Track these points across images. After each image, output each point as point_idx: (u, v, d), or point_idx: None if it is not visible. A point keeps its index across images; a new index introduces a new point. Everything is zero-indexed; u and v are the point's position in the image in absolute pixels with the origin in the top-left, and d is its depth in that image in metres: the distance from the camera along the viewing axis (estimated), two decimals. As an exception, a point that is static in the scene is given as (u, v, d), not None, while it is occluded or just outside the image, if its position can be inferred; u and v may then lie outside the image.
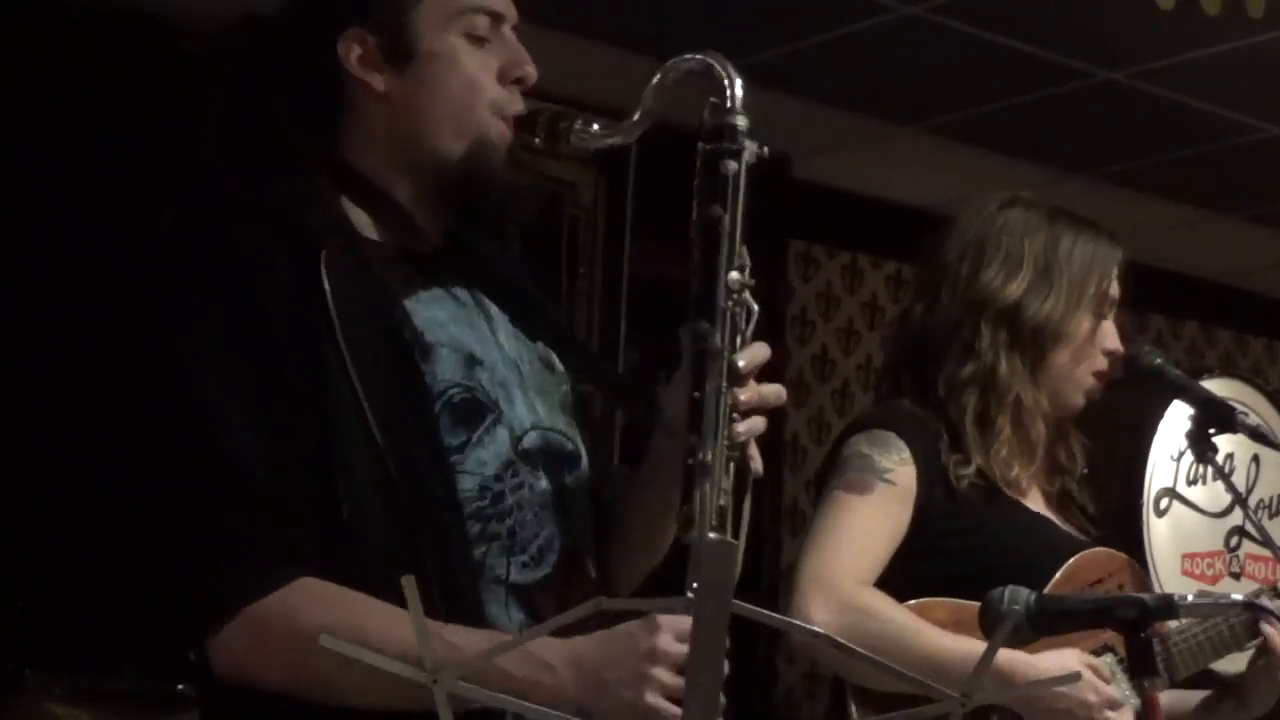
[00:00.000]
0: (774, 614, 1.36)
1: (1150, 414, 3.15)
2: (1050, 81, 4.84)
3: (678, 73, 1.96)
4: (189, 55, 4.35)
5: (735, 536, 1.81)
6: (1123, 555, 2.75)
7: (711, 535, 1.80)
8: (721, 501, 1.84)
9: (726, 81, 1.92)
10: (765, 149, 1.92)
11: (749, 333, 1.89)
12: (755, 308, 1.89)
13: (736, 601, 1.27)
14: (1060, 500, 2.75)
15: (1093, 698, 2.46)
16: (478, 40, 1.98)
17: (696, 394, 1.86)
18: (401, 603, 1.77)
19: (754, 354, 1.89)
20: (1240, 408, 2.82)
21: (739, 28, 4.55)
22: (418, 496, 1.85)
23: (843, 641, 1.43)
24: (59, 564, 4.08)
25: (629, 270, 5.17)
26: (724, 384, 1.86)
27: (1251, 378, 3.32)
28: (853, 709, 2.53)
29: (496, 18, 2.00)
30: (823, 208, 5.73)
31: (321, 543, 1.83)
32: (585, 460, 2.07)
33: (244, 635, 1.82)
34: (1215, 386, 3.02)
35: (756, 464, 1.89)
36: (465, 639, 1.78)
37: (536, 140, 2.00)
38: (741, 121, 1.91)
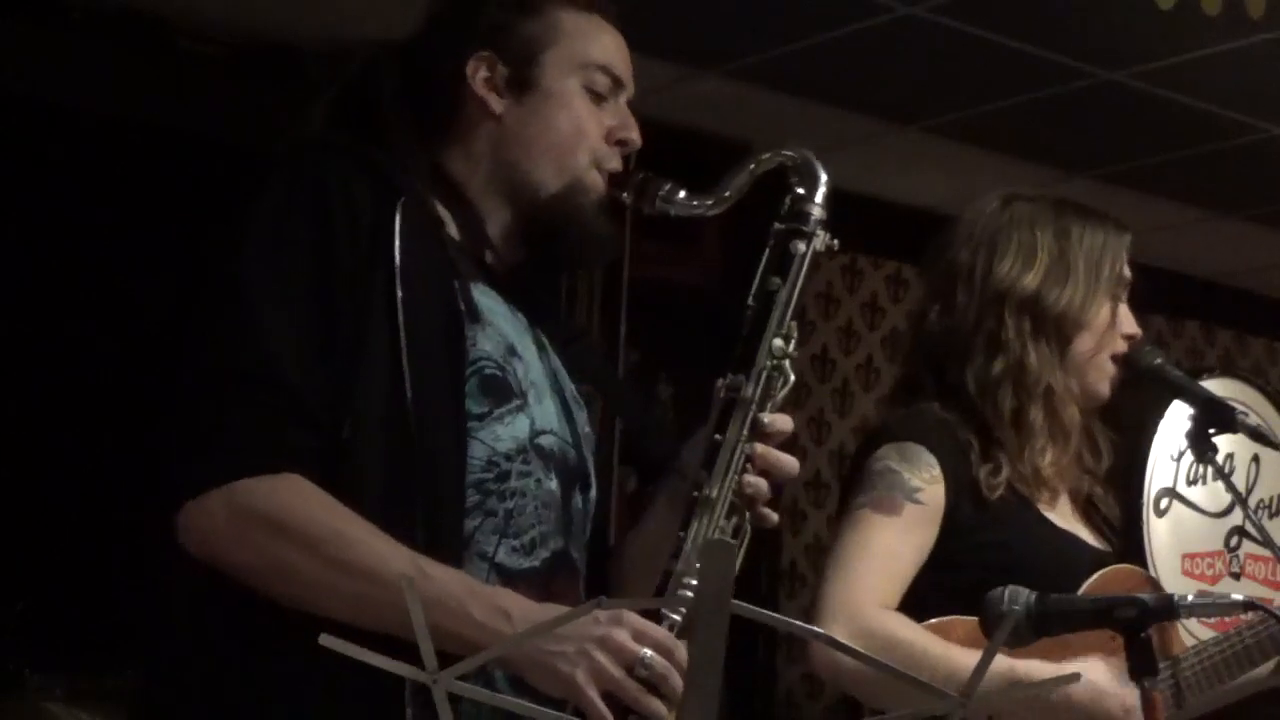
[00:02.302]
0: (774, 614, 1.36)
1: (1150, 414, 3.15)
2: (1050, 81, 4.84)
3: (770, 163, 2.08)
4: (189, 55, 4.36)
5: None
6: (1142, 570, 2.74)
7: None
8: (716, 538, 1.90)
9: (814, 178, 2.06)
10: (836, 241, 2.06)
11: (780, 400, 2.00)
12: (792, 377, 2.02)
13: (736, 601, 1.28)
14: (1087, 506, 2.75)
15: (1114, 705, 2.45)
16: (596, 96, 2.10)
17: (717, 436, 1.95)
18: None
19: (780, 419, 1.99)
20: (1240, 408, 2.81)
21: (739, 28, 4.55)
22: (427, 442, 1.89)
23: (842, 642, 1.43)
24: (59, 564, 4.08)
25: (629, 270, 5.17)
26: (745, 433, 1.95)
27: (1251, 378, 3.32)
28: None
29: (617, 83, 2.12)
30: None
31: (323, 454, 1.88)
32: (595, 492, 2.12)
33: (225, 507, 1.86)
34: (1215, 386, 3.02)
35: (772, 518, 1.97)
36: (438, 571, 1.82)
37: (625, 196, 2.10)
38: (819, 213, 2.06)
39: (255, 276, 1.92)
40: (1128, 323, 2.72)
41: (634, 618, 1.80)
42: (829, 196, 2.06)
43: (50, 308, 4.23)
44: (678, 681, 1.78)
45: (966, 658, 2.42)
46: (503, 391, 1.98)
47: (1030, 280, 2.66)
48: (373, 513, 1.86)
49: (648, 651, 1.78)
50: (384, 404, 1.88)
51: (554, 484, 2.02)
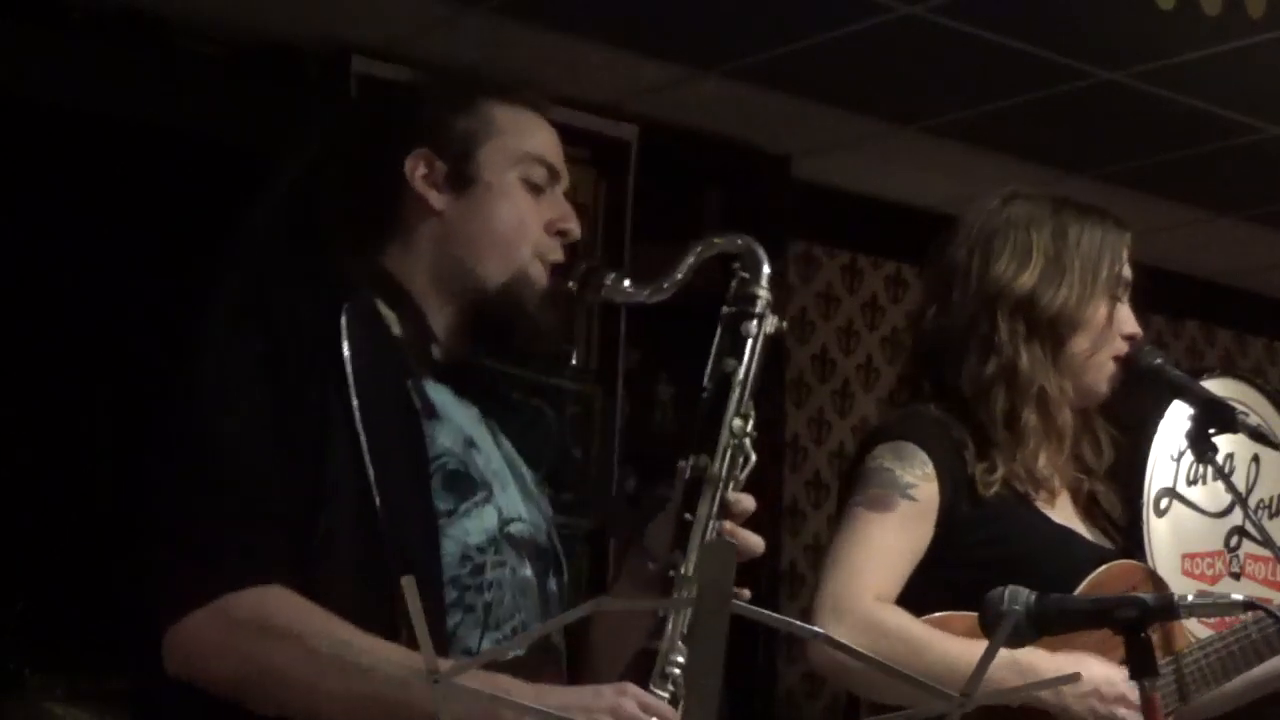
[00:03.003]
0: (774, 614, 1.37)
1: (1150, 414, 3.14)
2: (1050, 81, 4.84)
3: (715, 249, 2.12)
4: (189, 55, 4.36)
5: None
6: (1144, 566, 2.74)
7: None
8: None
9: (757, 263, 2.09)
10: (785, 323, 2.10)
11: (743, 480, 2.02)
12: (753, 457, 2.02)
13: (736, 602, 1.28)
14: (1087, 504, 2.75)
15: (1122, 689, 2.45)
16: (534, 188, 2.12)
17: (687, 515, 1.96)
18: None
19: (745, 498, 2.01)
20: (1240, 408, 2.80)
21: (739, 28, 4.55)
22: (400, 545, 1.89)
23: (842, 642, 1.43)
24: (59, 564, 4.08)
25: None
26: (714, 510, 1.97)
27: (1251, 378, 3.30)
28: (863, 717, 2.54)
29: (554, 174, 2.14)
30: (823, 208, 5.73)
31: (299, 565, 1.88)
32: (566, 573, 2.13)
33: (211, 623, 1.86)
34: (1215, 386, 3.01)
35: (744, 595, 1.94)
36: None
37: (570, 285, 2.13)
38: (765, 295, 2.09)
39: (211, 395, 1.93)
40: (1128, 323, 2.72)
41: (635, 689, 1.83)
42: (773, 281, 2.10)
43: (50, 308, 4.23)
44: None
45: (963, 648, 2.42)
46: (466, 485, 2.00)
47: (1025, 281, 2.66)
48: (350, 620, 1.86)
49: None
50: (352, 511, 1.89)
51: (528, 570, 2.04)
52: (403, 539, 1.90)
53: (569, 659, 2.11)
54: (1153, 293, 2.82)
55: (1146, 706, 2.00)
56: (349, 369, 1.92)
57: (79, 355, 4.22)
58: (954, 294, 2.69)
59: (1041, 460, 2.64)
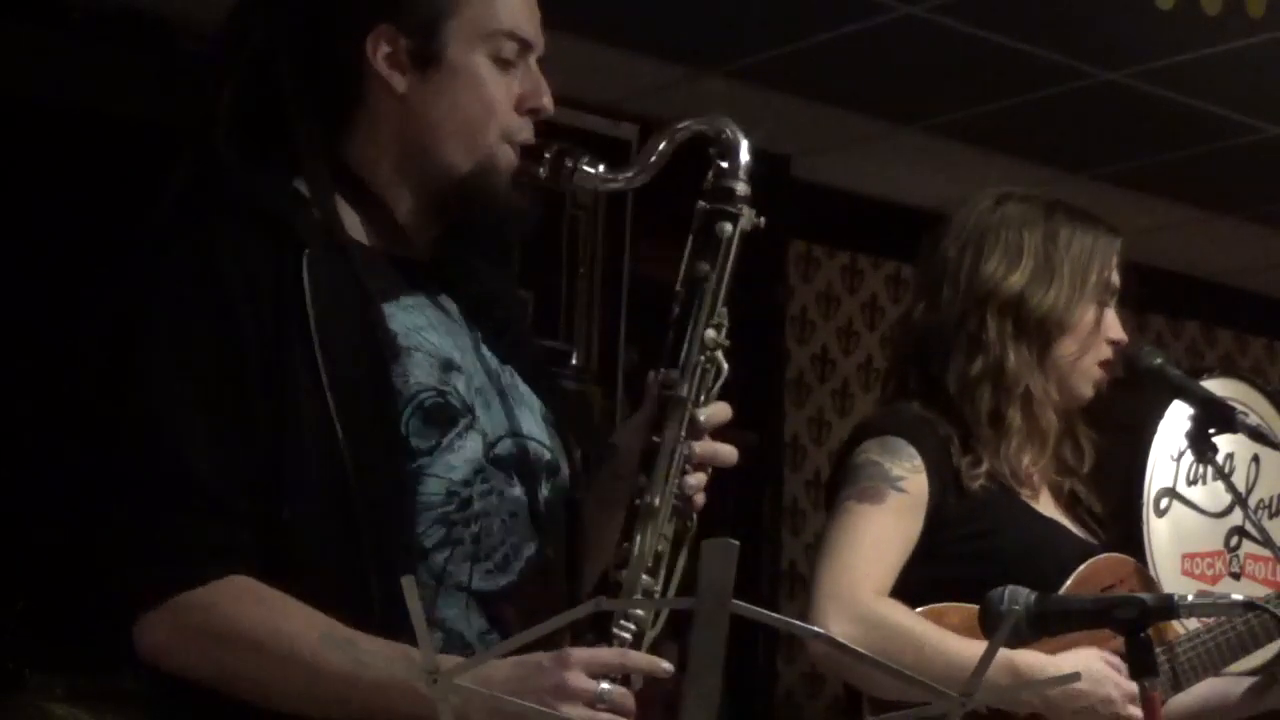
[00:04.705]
0: (774, 614, 1.37)
1: (1150, 414, 3.15)
2: (1050, 81, 4.84)
3: (689, 133, 2.00)
4: (189, 55, 4.36)
5: (666, 585, 1.86)
6: (1132, 560, 2.75)
7: (646, 577, 1.85)
8: (660, 547, 1.87)
9: (735, 148, 1.98)
10: (762, 219, 1.98)
11: (715, 391, 1.94)
12: (725, 368, 1.94)
13: (736, 601, 1.28)
14: (1070, 501, 2.76)
15: (1115, 692, 2.47)
16: (503, 64, 2.00)
17: (655, 438, 1.90)
18: (341, 609, 1.79)
19: (716, 411, 1.94)
20: (1240, 408, 2.81)
21: (739, 28, 4.56)
22: (370, 499, 1.85)
23: (842, 642, 1.43)
24: (59, 564, 4.07)
25: (629, 270, 5.17)
26: (683, 433, 1.90)
27: (1251, 378, 3.31)
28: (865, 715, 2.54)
29: (525, 46, 2.02)
30: (823, 208, 5.73)
31: (263, 544, 1.84)
32: (565, 471, 2.06)
33: (166, 625, 1.83)
34: (1215, 386, 3.01)
35: (699, 501, 1.92)
36: (372, 645, 1.74)
37: (540, 172, 2.02)
38: (743, 189, 1.97)
39: (156, 373, 1.86)
40: (1114, 328, 2.73)
41: (579, 654, 1.75)
42: (752, 168, 1.97)
43: (52, 308, 4.23)
44: (632, 704, 1.75)
45: (963, 646, 2.43)
46: (448, 416, 1.92)
47: (1014, 281, 2.68)
48: (326, 586, 1.82)
49: (605, 685, 1.74)
50: (320, 472, 1.83)
51: (518, 489, 1.98)
52: (372, 497, 1.84)
53: (574, 578, 2.05)
54: (1153, 293, 2.82)
55: (1147, 705, 2.00)
56: (314, 328, 1.84)
57: (79, 355, 4.22)
58: (944, 291, 2.71)
59: (1025, 460, 2.66)
